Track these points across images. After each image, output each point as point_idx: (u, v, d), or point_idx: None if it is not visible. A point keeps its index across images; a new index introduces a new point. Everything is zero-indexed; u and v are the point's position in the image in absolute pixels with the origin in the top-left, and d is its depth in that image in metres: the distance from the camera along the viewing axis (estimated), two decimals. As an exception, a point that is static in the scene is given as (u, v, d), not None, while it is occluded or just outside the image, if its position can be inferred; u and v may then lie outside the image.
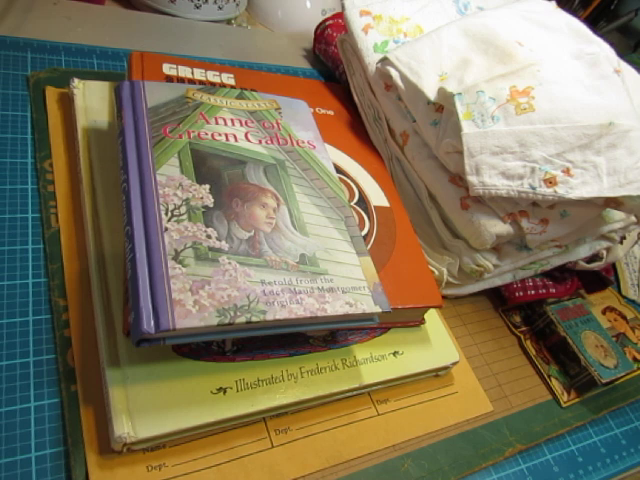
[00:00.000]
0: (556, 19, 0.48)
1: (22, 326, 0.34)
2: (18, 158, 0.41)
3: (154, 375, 0.31)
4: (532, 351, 0.48)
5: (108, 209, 0.37)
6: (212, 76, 0.49)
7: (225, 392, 0.32)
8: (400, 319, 0.41)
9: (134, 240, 0.29)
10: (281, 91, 0.46)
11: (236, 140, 0.38)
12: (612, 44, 0.46)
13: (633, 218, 0.47)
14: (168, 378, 0.32)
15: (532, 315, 0.50)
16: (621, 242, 0.50)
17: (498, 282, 0.48)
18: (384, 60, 0.47)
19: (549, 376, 0.46)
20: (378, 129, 0.52)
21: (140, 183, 0.32)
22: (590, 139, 0.39)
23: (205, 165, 0.35)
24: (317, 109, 0.52)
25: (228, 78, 0.50)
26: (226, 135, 0.38)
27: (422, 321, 0.42)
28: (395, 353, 0.39)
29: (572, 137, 0.39)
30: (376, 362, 0.38)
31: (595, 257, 0.50)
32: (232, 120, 0.40)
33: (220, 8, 0.68)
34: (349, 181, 0.45)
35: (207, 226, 0.32)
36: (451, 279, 0.46)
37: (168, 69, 0.47)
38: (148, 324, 0.26)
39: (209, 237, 0.31)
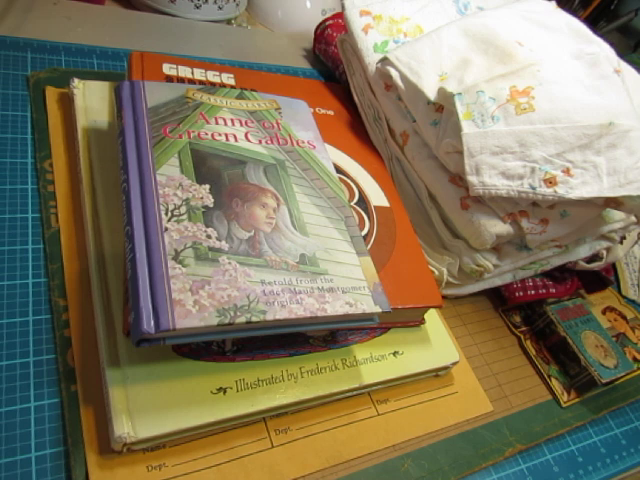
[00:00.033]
0: (556, 19, 0.48)
1: (22, 326, 0.34)
2: (18, 158, 0.41)
3: (154, 375, 0.31)
4: (532, 351, 0.48)
5: (108, 209, 0.37)
6: (212, 76, 0.49)
7: (225, 392, 0.32)
8: (400, 319, 0.41)
9: (134, 240, 0.29)
10: (281, 91, 0.46)
11: (236, 140, 0.38)
12: (612, 44, 0.46)
13: (633, 218, 0.47)
14: (168, 378, 0.32)
15: (532, 315, 0.50)
16: (621, 242, 0.50)
17: (498, 282, 0.48)
18: (384, 60, 0.47)
19: (549, 376, 0.46)
20: (378, 129, 0.52)
21: (140, 183, 0.32)
22: (590, 139, 0.39)
23: (205, 165, 0.35)
24: (317, 109, 0.52)
25: (228, 78, 0.50)
26: (226, 135, 0.38)
27: (422, 321, 0.42)
28: (395, 353, 0.39)
29: (572, 137, 0.39)
30: (376, 362, 0.38)
31: (595, 257, 0.50)
32: (232, 120, 0.40)
33: (220, 8, 0.68)
34: (349, 181, 0.45)
35: (207, 226, 0.32)
36: (451, 279, 0.46)
37: (168, 69, 0.47)
38: (148, 324, 0.26)
39: (209, 237, 0.31)
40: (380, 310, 0.33)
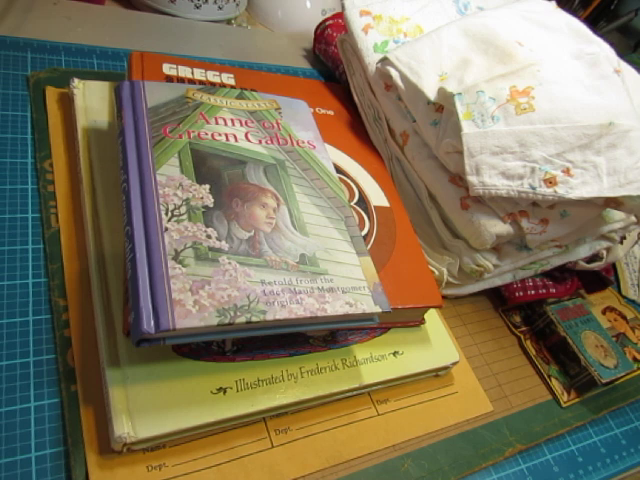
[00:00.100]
0: (556, 19, 0.48)
1: (22, 326, 0.34)
2: (18, 158, 0.41)
3: (154, 375, 0.31)
4: (532, 351, 0.48)
5: (108, 209, 0.37)
6: (212, 76, 0.49)
7: (225, 392, 0.32)
8: (400, 319, 0.41)
9: (134, 240, 0.29)
10: (281, 91, 0.46)
11: (236, 140, 0.38)
12: (612, 44, 0.46)
13: (633, 218, 0.47)
14: (168, 378, 0.32)
15: (532, 315, 0.50)
16: (621, 242, 0.50)
17: (498, 282, 0.48)
18: (384, 60, 0.47)
19: (549, 376, 0.46)
20: (378, 129, 0.52)
21: (140, 183, 0.32)
22: (590, 139, 0.39)
23: (205, 165, 0.35)
24: (317, 109, 0.52)
25: (228, 78, 0.50)
26: (226, 135, 0.38)
27: (422, 321, 0.42)
28: (395, 353, 0.39)
29: (572, 137, 0.39)
30: (376, 362, 0.38)
31: (595, 257, 0.50)
32: (232, 120, 0.40)
33: (220, 8, 0.68)
34: (349, 181, 0.45)
35: (207, 226, 0.32)
36: (451, 279, 0.46)
37: (168, 69, 0.47)
38: (148, 324, 0.26)
39: (209, 237, 0.31)
40: (380, 310, 0.33)
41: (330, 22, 0.65)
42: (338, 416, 0.37)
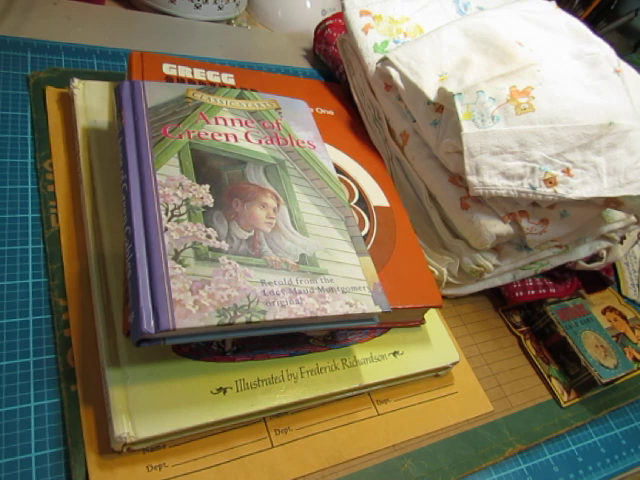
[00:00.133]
0: (556, 19, 0.48)
1: (22, 326, 0.34)
2: (18, 158, 0.41)
3: (154, 375, 0.31)
4: (532, 351, 0.48)
5: (108, 209, 0.37)
6: (212, 76, 0.49)
7: (225, 392, 0.32)
8: (400, 319, 0.41)
9: (134, 240, 0.29)
10: (281, 91, 0.46)
11: (236, 140, 0.38)
12: (612, 44, 0.46)
13: (633, 218, 0.47)
14: (168, 378, 0.32)
15: (532, 315, 0.50)
16: (621, 242, 0.50)
17: (498, 282, 0.48)
18: (384, 60, 0.47)
19: (549, 376, 0.46)
20: (378, 129, 0.52)
21: (140, 183, 0.32)
22: (590, 139, 0.39)
23: (205, 165, 0.35)
24: (317, 109, 0.52)
25: (228, 78, 0.50)
26: (226, 135, 0.38)
27: (422, 321, 0.42)
28: (395, 353, 0.39)
29: (572, 137, 0.39)
30: (376, 362, 0.38)
31: (595, 257, 0.50)
32: (232, 120, 0.40)
33: (220, 8, 0.68)
34: (349, 181, 0.45)
35: (207, 226, 0.32)
36: (451, 279, 0.46)
37: (168, 69, 0.47)
38: (148, 324, 0.26)
39: (209, 237, 0.31)
40: (380, 310, 0.33)
41: (330, 22, 0.65)
42: (338, 416, 0.37)
